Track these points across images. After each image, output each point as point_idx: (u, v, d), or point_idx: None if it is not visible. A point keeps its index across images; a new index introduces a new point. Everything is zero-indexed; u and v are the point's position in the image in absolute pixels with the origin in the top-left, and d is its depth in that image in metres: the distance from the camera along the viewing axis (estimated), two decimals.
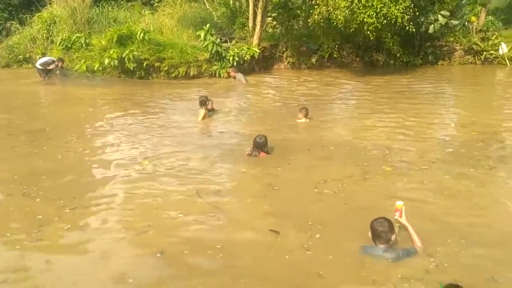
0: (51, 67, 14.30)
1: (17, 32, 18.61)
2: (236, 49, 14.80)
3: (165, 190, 5.81)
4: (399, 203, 4.44)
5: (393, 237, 4.14)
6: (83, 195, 5.66)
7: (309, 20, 15.00)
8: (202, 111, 9.14)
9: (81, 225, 4.90)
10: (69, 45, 15.20)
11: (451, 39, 17.09)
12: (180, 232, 4.76)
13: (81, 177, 6.34)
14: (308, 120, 8.79)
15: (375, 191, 5.67)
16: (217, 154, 7.23)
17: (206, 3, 19.78)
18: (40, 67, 14.41)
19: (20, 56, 17.41)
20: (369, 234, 4.20)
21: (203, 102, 9.18)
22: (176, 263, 4.22)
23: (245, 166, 6.74)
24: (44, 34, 16.92)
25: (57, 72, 14.33)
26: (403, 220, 4.37)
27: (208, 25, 14.62)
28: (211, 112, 9.46)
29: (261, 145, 6.88)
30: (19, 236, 4.73)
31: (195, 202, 5.46)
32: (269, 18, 17.58)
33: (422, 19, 15.19)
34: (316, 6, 14.33)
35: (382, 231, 4.11)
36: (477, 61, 16.83)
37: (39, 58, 15.23)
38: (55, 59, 14.46)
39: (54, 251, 4.49)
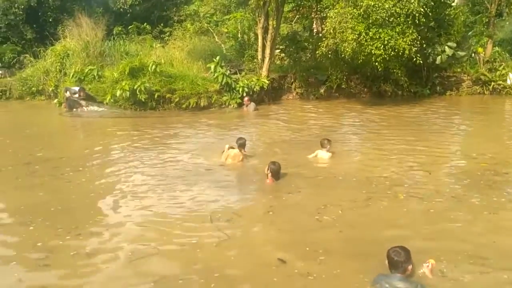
0: (72, 96, 14.59)
1: (30, 65, 19.01)
2: (245, 81, 15.02)
3: (173, 217, 5.84)
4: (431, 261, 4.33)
5: (409, 267, 4.09)
6: (87, 224, 5.69)
7: (317, 52, 15.21)
8: (234, 152, 8.33)
9: (87, 252, 4.93)
10: (82, 77, 15.47)
11: (459, 70, 17.23)
12: (183, 259, 4.77)
13: (86, 207, 6.33)
14: (331, 153, 8.36)
15: (378, 219, 5.69)
16: (228, 183, 7.31)
17: (216, 37, 20.20)
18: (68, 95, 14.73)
19: (33, 88, 17.74)
20: (386, 262, 4.16)
21: (243, 145, 8.46)
22: None
23: (257, 193, 6.85)
24: (57, 67, 17.23)
25: (82, 103, 14.60)
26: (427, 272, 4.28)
27: (218, 57, 14.89)
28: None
29: (277, 171, 6.98)
30: (25, 263, 4.79)
31: (205, 228, 5.47)
32: (278, 50, 17.89)
33: (429, 51, 15.35)
34: (323, 39, 14.57)
35: (397, 260, 4.06)
36: (485, 92, 16.90)
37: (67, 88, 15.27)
38: (77, 89, 14.72)
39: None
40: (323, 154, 8.34)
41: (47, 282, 4.42)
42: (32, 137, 11.26)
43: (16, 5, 22.29)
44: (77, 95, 14.56)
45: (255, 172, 7.64)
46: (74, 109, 14.69)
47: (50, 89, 17.16)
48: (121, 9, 25.38)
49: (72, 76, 15.63)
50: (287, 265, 4.55)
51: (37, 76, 17.86)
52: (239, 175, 7.91)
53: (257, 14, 16.25)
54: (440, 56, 15.43)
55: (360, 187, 6.80)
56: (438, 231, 5.28)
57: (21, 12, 22.56)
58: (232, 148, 8.37)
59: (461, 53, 16.05)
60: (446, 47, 15.46)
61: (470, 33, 17.68)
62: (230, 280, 4.33)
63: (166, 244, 5.08)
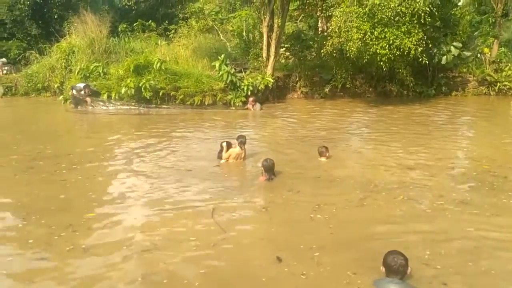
0: (78, 94, 14.66)
1: (36, 61, 19.07)
2: (250, 79, 15.03)
3: (171, 214, 5.85)
4: None
5: (408, 271, 4.07)
6: (82, 220, 5.68)
7: (322, 51, 15.22)
8: (236, 150, 8.23)
9: (84, 247, 4.94)
10: (87, 74, 15.52)
11: (464, 70, 17.19)
12: (177, 255, 4.76)
13: (83, 204, 6.30)
14: (328, 159, 8.28)
15: (372, 219, 5.68)
16: (228, 181, 7.33)
17: (221, 35, 20.19)
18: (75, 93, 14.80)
19: (38, 85, 17.81)
20: (382, 268, 4.11)
21: (243, 142, 8.27)
22: None
23: (254, 191, 6.86)
24: (63, 64, 17.30)
25: (87, 99, 14.72)
26: None
27: (223, 56, 14.90)
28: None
29: (269, 168, 6.99)
30: (21, 256, 4.82)
31: (203, 225, 5.48)
32: (282, 49, 17.89)
33: (435, 51, 15.32)
34: (328, 38, 14.56)
35: (400, 265, 4.01)
36: (491, 92, 16.85)
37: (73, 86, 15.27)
38: (82, 86, 14.78)
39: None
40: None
41: (42, 275, 4.44)
42: (37, 134, 11.29)
43: (22, 1, 22.36)
44: (82, 92, 14.61)
45: (255, 171, 7.62)
46: (79, 107, 14.75)
47: (56, 85, 17.23)
48: (126, 6, 25.46)
49: (78, 73, 15.71)
50: (280, 263, 4.54)
51: (42, 73, 17.94)
52: (239, 173, 7.91)
53: (262, 12, 16.26)
54: (445, 56, 15.41)
55: (358, 188, 6.76)
56: (433, 232, 5.25)
57: (26, 8, 22.63)
58: (229, 143, 8.30)
59: (467, 53, 16.01)
60: (452, 47, 15.43)
61: (476, 33, 17.63)
62: (218, 278, 4.32)
63: (163, 240, 5.09)
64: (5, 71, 19.94)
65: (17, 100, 17.65)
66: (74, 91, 14.75)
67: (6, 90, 18.44)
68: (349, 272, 4.33)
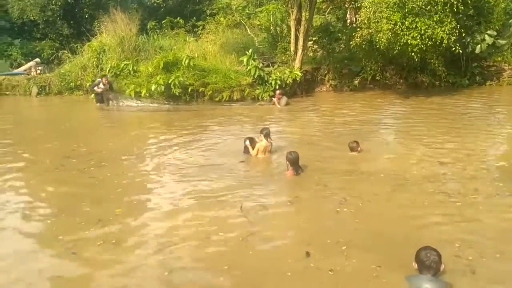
0: (99, 89, 14.96)
1: (68, 60, 19.45)
2: (278, 73, 14.95)
3: (199, 210, 5.89)
4: None
5: (442, 267, 3.98)
6: (111, 216, 5.75)
7: (350, 43, 15.01)
8: (263, 144, 8.15)
9: (114, 242, 5.03)
10: (118, 72, 15.77)
11: (499, 59, 16.65)
12: (204, 249, 4.80)
13: (113, 200, 6.40)
14: (359, 153, 8.18)
15: (401, 212, 5.61)
16: (255, 175, 7.36)
17: (248, 29, 20.15)
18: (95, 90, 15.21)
19: (71, 84, 18.15)
20: (414, 264, 4.01)
21: (268, 134, 8.22)
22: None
23: (281, 185, 6.89)
24: (94, 62, 17.60)
25: (110, 96, 15.05)
26: None
27: (250, 50, 14.86)
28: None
29: (294, 161, 6.97)
30: (52, 251, 4.94)
31: (230, 220, 5.50)
32: (310, 42, 17.71)
33: (468, 40, 14.90)
34: (357, 29, 14.33)
35: (433, 261, 3.91)
36: None
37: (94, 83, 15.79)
38: (100, 79, 15.15)
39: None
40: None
41: (73, 269, 4.55)
42: (70, 132, 11.51)
43: (54, 1, 22.88)
44: (101, 85, 14.89)
45: (282, 165, 7.55)
46: (110, 102, 15.01)
47: (88, 84, 17.51)
48: (155, 4, 25.73)
49: (109, 71, 15.94)
50: (308, 258, 4.53)
51: (75, 72, 18.25)
52: (266, 168, 7.91)
53: (289, 5, 16.12)
54: (479, 45, 14.98)
55: (387, 182, 6.64)
56: (463, 225, 5.15)
57: (58, 9, 23.16)
58: (251, 139, 8.24)
59: (502, 42, 15.52)
60: (486, 35, 14.99)
61: (511, 20, 17.01)
62: (244, 273, 4.33)
63: (190, 234, 5.14)
64: (39, 71, 20.41)
65: (50, 99, 18.03)
66: (96, 88, 15.10)
67: (40, 89, 18.85)
68: (377, 265, 4.28)
